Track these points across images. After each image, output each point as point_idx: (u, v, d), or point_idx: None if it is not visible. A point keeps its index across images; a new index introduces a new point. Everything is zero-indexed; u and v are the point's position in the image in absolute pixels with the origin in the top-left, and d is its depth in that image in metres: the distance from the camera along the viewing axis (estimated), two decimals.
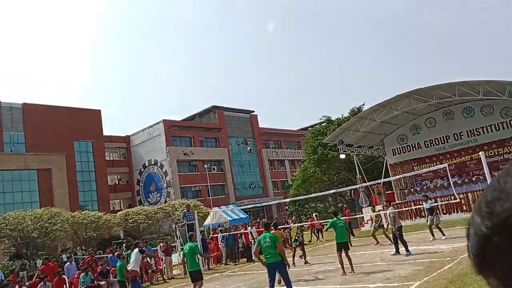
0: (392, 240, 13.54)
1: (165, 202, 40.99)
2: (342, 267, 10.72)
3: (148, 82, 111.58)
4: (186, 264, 10.71)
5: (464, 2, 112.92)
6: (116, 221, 32.84)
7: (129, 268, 12.07)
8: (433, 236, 14.98)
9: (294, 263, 13.89)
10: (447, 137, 27.06)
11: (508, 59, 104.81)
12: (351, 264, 10.79)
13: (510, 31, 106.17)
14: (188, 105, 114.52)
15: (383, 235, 15.74)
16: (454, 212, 21.60)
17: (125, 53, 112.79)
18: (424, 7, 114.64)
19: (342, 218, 12.79)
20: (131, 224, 33.02)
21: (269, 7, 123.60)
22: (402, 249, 12.66)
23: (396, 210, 14.32)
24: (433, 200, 15.57)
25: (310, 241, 22.07)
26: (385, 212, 14.68)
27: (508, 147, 25.00)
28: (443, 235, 14.61)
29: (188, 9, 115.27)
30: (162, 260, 17.28)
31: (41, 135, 37.95)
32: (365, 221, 24.37)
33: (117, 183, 48.74)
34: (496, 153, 25.05)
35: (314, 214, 25.61)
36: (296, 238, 15.06)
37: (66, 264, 17.39)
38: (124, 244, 25.32)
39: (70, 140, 40.37)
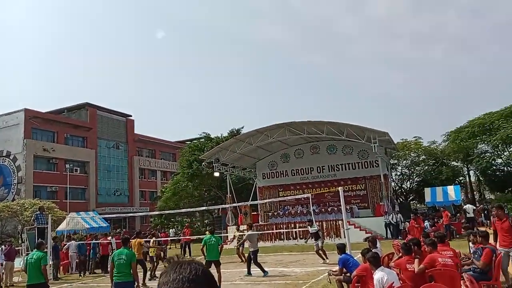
0: (246, 260, 14.07)
1: (13, 200, 36.43)
2: None
3: (16, 63, 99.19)
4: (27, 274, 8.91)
5: (341, 52, 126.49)
6: None
7: None
8: (326, 257, 14.78)
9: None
10: (311, 169, 29.76)
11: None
12: (219, 281, 10.84)
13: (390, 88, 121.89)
14: (59, 98, 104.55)
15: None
16: (311, 238, 23.37)
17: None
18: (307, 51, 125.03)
19: (216, 235, 12.86)
20: None
21: (162, 16, 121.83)
22: (257, 270, 13.20)
23: (255, 233, 14.89)
24: (318, 224, 16.23)
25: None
26: (245, 234, 15.07)
27: (360, 185, 28.55)
28: (326, 258, 14.64)
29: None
30: (1, 265, 15.14)
31: None
32: (229, 239, 24.99)
33: None
34: (350, 189, 28.29)
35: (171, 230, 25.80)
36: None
37: None
38: None
39: None
